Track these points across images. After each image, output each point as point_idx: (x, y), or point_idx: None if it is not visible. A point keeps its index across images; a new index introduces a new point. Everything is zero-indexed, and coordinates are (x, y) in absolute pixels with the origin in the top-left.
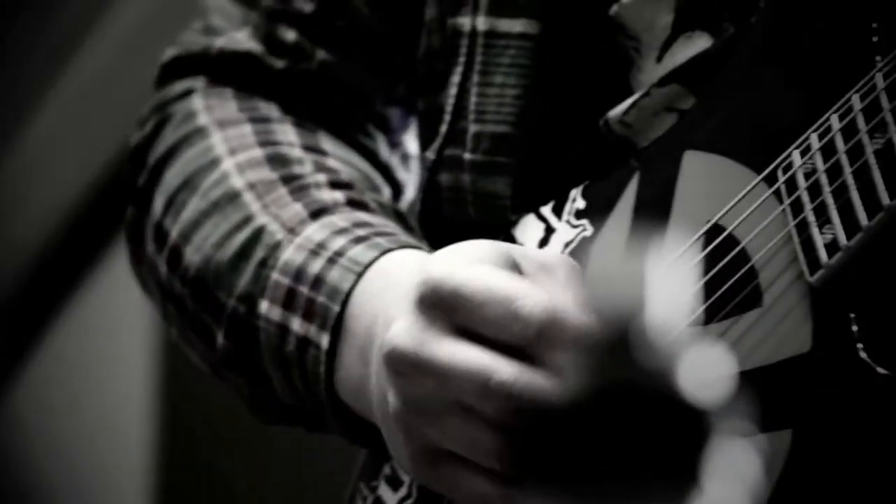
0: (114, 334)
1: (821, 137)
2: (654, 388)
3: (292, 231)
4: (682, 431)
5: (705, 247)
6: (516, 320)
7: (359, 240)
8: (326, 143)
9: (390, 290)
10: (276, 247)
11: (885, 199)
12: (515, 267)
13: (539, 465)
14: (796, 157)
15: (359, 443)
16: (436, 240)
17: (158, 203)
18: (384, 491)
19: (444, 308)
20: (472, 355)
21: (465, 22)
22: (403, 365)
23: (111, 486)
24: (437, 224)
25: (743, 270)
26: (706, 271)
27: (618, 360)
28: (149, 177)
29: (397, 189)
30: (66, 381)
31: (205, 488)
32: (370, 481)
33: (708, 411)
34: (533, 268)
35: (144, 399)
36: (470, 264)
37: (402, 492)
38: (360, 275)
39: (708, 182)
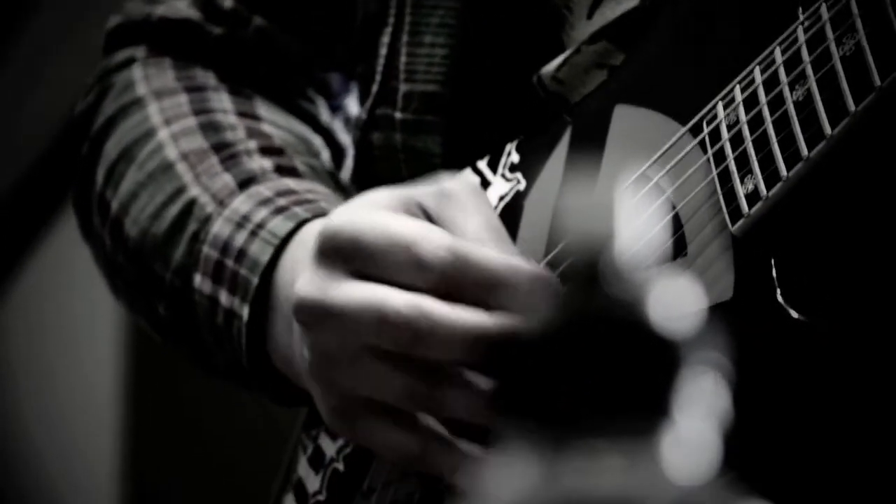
0: (80, 291)
1: (743, 90)
2: (625, 320)
3: (222, 203)
4: (653, 364)
5: (633, 197)
6: (418, 264)
7: (279, 210)
8: (261, 108)
9: (306, 259)
10: (206, 220)
11: (804, 150)
12: (418, 207)
13: (508, 404)
14: (720, 109)
15: (296, 405)
16: None
17: (100, 174)
18: (324, 440)
19: (344, 256)
20: (368, 289)
21: None
22: (309, 314)
23: (79, 444)
24: (370, 183)
25: (667, 219)
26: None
27: (587, 292)
28: (90, 147)
29: (340, 152)
30: (30, 338)
31: (175, 440)
32: (311, 431)
33: (678, 344)
34: (435, 201)
35: (113, 357)
36: (369, 211)
37: (341, 441)
38: (277, 247)
39: (637, 135)
